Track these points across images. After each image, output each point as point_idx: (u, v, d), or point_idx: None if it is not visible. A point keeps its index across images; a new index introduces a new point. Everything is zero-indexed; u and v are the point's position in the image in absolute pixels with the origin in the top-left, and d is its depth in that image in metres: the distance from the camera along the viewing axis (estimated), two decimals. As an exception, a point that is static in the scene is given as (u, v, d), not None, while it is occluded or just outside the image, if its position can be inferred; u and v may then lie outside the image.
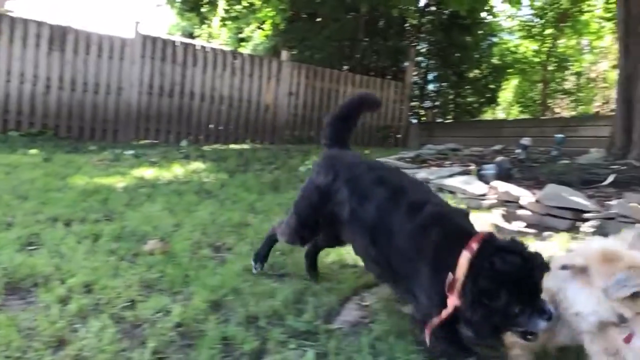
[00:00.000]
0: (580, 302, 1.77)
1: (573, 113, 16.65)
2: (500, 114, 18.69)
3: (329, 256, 3.48)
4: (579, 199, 4.75)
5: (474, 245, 1.98)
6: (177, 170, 7.36)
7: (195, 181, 6.63)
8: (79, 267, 2.91)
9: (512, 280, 1.87)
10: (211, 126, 11.73)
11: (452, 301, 1.97)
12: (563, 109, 17.64)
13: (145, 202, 5.01)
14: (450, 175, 6.12)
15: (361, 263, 3.34)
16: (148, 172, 6.97)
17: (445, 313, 1.99)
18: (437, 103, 16.07)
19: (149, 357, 2.03)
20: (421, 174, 6.37)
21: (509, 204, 5.13)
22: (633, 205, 4.36)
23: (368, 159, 2.96)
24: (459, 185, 5.70)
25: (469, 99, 16.26)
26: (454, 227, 2.17)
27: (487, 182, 5.62)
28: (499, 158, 6.43)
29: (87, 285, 2.67)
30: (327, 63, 13.51)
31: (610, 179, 5.62)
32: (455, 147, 9.28)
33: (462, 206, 5.29)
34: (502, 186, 5.30)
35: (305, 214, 2.79)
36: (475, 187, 5.58)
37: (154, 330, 2.25)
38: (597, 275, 1.72)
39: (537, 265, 1.94)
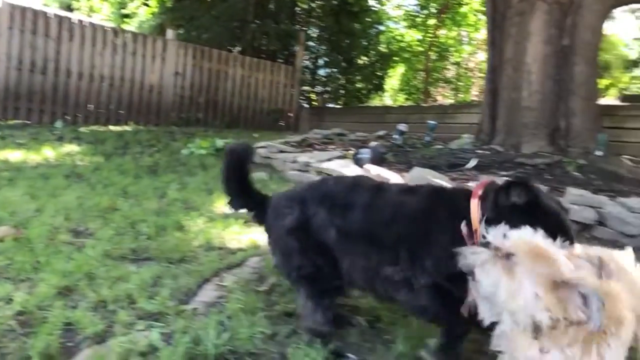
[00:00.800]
0: (502, 292, 1.53)
1: (452, 101, 17.76)
2: (387, 100, 19.47)
3: (197, 239, 3.49)
4: (440, 181, 5.12)
5: (479, 191, 1.93)
6: (48, 152, 6.90)
7: (67, 164, 6.27)
8: None
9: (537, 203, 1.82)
10: (90, 106, 11.07)
11: None
12: (444, 97, 18.76)
13: (4, 186, 4.67)
14: (329, 159, 6.33)
15: (228, 245, 3.42)
16: (14, 155, 6.48)
17: None
18: (327, 88, 16.38)
19: (-19, 348, 1.93)
20: (302, 158, 6.52)
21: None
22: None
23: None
24: (336, 169, 5.91)
25: (357, 85, 16.74)
26: (453, 193, 2.11)
27: (361, 166, 5.87)
28: (374, 143, 6.73)
29: None
30: (215, 44, 13.23)
31: (473, 162, 6.10)
32: (341, 132, 9.56)
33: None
34: (374, 169, 5.57)
35: (309, 270, 2.21)
36: (351, 170, 5.82)
37: (-7, 319, 2.13)
38: (524, 270, 1.50)
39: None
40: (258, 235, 3.47)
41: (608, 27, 14.26)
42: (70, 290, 2.49)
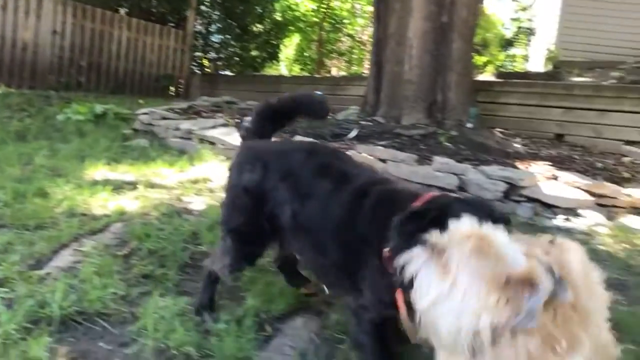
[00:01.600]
0: (434, 297, 1.23)
1: (344, 73, 18.11)
2: (283, 70, 19.44)
3: (59, 206, 3.34)
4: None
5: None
6: None
7: None
8: None
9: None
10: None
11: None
12: (338, 69, 19.07)
13: None
14: (213, 127, 6.25)
15: (93, 211, 3.31)
16: None
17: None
18: (221, 55, 15.99)
19: None
20: (185, 125, 6.39)
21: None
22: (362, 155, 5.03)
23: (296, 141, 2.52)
24: (220, 137, 5.87)
25: (252, 53, 16.51)
26: (400, 202, 1.83)
27: (244, 133, 5.88)
28: (258, 111, 6.70)
29: None
30: (99, 3, 12.38)
31: (354, 133, 6.32)
32: (231, 100, 9.44)
33: (221, 156, 5.49)
34: (257, 137, 5.60)
35: (242, 226, 2.23)
36: (234, 138, 5.81)
37: None
38: (461, 268, 1.21)
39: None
40: (126, 202, 3.39)
41: (487, 7, 15.22)
42: None
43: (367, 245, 1.83)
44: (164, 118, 7.01)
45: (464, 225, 1.31)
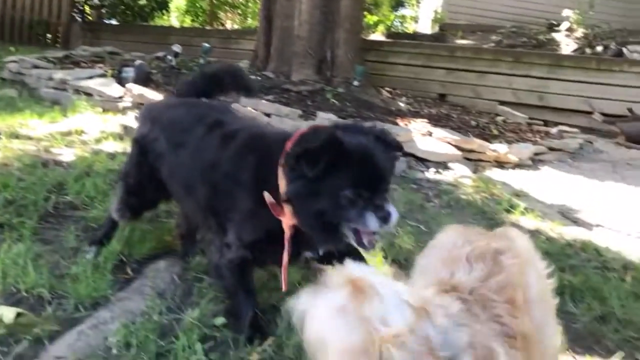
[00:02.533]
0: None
1: (237, 26, 17.59)
2: (173, 21, 18.49)
3: None
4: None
5: (290, 145, 1.69)
6: None
7: None
8: None
9: (340, 153, 1.60)
10: None
11: (287, 221, 1.72)
12: (233, 22, 18.45)
13: None
14: (90, 78, 5.91)
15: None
16: None
17: (287, 239, 1.73)
18: (105, 2, 14.89)
19: None
20: (59, 75, 5.99)
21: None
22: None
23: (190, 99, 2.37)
24: (97, 88, 5.57)
25: (140, 2, 15.52)
26: (269, 143, 1.85)
27: (124, 85, 5.62)
28: (138, 62, 6.45)
29: None
30: None
31: (241, 87, 6.26)
32: (114, 51, 8.91)
33: (98, 108, 5.23)
34: (137, 89, 5.38)
35: (129, 177, 2.31)
36: (113, 89, 5.54)
37: None
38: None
39: (384, 148, 1.68)
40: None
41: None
42: None
43: (240, 188, 1.85)
44: (36, 67, 6.51)
45: (352, 267, 1.17)
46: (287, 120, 5.06)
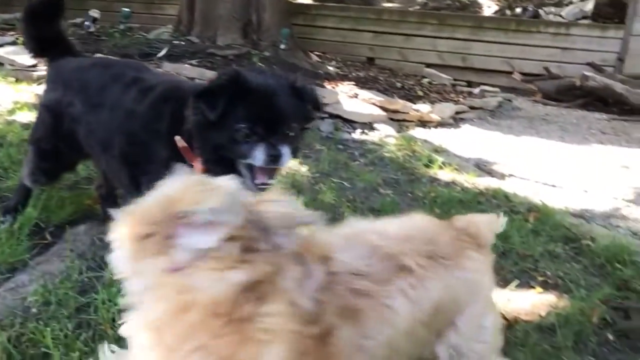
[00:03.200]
0: None
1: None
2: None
3: None
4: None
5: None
6: None
7: None
8: None
9: (241, 90, 1.63)
10: None
11: (198, 166, 1.70)
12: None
13: None
14: (0, 46, 5.60)
15: None
16: None
17: None
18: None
19: None
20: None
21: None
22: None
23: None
24: (7, 57, 5.29)
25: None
26: (184, 93, 1.82)
27: (37, 53, 5.36)
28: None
29: None
30: None
31: (163, 52, 6.13)
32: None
33: (10, 79, 4.99)
34: (51, 56, 5.15)
35: (41, 142, 2.27)
36: (25, 58, 5.25)
37: None
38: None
39: (295, 95, 1.69)
40: None
41: None
42: None
43: (156, 137, 1.86)
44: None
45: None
46: (212, 85, 5.03)
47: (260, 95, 1.65)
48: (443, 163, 4.12)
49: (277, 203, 1.13)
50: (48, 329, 1.62)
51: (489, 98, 7.34)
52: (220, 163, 1.67)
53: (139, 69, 2.24)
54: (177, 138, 1.75)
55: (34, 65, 5.14)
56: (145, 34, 7.57)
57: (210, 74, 5.17)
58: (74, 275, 1.90)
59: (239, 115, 1.62)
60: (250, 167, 1.67)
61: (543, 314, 2.16)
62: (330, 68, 7.88)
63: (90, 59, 2.45)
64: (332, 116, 5.08)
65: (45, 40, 2.29)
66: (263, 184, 1.66)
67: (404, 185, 3.59)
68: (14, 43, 5.66)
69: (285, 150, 1.64)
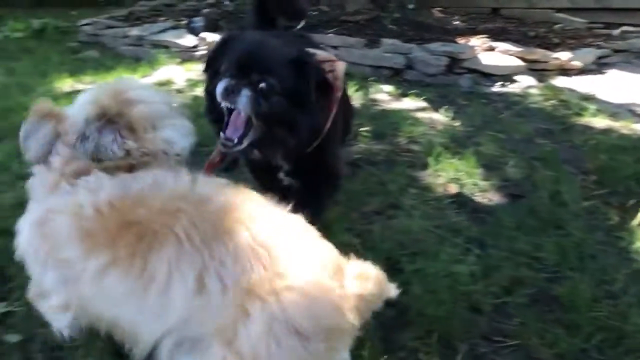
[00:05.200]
0: None
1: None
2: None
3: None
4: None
5: None
6: None
7: None
8: None
9: (228, 44, 1.79)
10: None
11: None
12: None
13: None
14: (163, 31, 6.28)
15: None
16: None
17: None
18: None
19: None
20: (134, 32, 6.38)
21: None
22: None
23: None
24: (172, 40, 5.95)
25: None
26: None
27: (196, 35, 5.97)
28: (206, 10, 6.75)
29: None
30: None
31: (301, 24, 6.47)
32: (169, 3, 9.23)
33: (177, 59, 5.63)
34: (210, 37, 5.72)
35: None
36: (187, 40, 5.90)
37: None
38: None
39: (266, 46, 1.74)
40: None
41: None
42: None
43: None
44: (109, 27, 6.92)
45: None
46: (354, 50, 5.32)
47: (239, 46, 1.76)
48: (597, 110, 4.08)
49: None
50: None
51: (634, 40, 6.88)
52: (210, 105, 1.84)
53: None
54: None
55: (195, 47, 5.75)
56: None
57: (352, 41, 5.47)
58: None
59: (221, 64, 1.77)
60: (226, 123, 1.75)
61: None
62: (456, 22, 7.82)
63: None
64: (470, 71, 5.17)
65: None
66: (227, 138, 1.73)
67: (559, 135, 3.65)
68: (174, 28, 6.32)
69: (245, 92, 1.66)
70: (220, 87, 1.67)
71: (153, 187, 1.34)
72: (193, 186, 1.35)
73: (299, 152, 1.84)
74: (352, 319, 1.16)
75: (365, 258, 1.94)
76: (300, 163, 1.95)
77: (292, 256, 1.17)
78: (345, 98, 2.32)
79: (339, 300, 1.15)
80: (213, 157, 1.88)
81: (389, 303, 1.34)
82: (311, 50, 1.91)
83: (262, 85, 1.66)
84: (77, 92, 4.15)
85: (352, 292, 1.19)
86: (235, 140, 1.72)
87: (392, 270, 2.02)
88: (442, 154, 3.10)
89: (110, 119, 1.43)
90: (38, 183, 1.48)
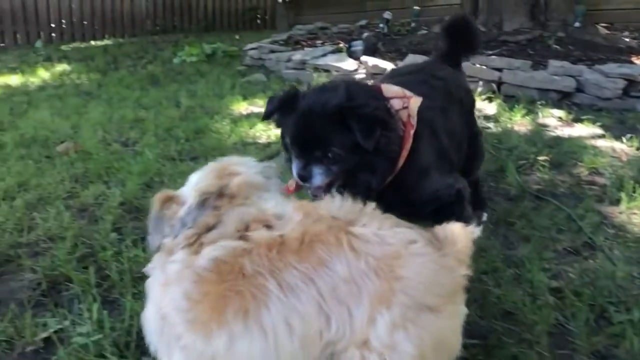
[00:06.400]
0: None
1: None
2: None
3: (230, 138, 3.88)
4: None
5: None
6: (44, 74, 7.02)
7: (69, 84, 6.44)
8: (1, 173, 3.09)
9: (291, 108, 1.79)
10: (63, 22, 10.87)
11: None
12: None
13: (28, 109, 4.94)
14: (324, 55, 6.58)
15: (258, 140, 3.82)
16: (12, 80, 6.60)
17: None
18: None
19: (110, 227, 2.44)
20: (297, 56, 6.76)
21: (378, 77, 5.77)
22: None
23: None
24: (333, 64, 6.20)
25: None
26: None
27: (356, 58, 6.17)
28: (365, 34, 6.95)
29: (21, 185, 2.92)
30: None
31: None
32: (323, 26, 9.66)
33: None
34: (371, 60, 5.88)
35: None
36: (347, 63, 6.12)
37: (103, 211, 2.62)
38: None
39: (324, 114, 1.72)
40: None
41: None
42: (149, 186, 2.95)
43: None
44: (272, 51, 7.41)
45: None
46: (519, 73, 5.14)
47: (295, 120, 1.78)
48: None
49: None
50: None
51: None
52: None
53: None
54: None
55: (355, 70, 5.95)
56: (427, 28, 8.00)
57: (518, 63, 5.29)
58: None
59: (285, 129, 1.85)
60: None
61: None
62: (627, 40, 7.21)
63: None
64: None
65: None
66: (314, 195, 1.81)
67: None
68: (335, 52, 6.60)
69: (317, 171, 1.75)
70: (295, 173, 1.79)
71: None
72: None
73: (378, 188, 1.87)
74: (461, 275, 1.29)
75: (572, 303, 1.90)
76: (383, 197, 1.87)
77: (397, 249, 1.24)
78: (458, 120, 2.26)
79: (447, 265, 1.27)
80: (290, 184, 1.93)
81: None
82: (368, 90, 1.91)
83: (329, 156, 1.75)
84: (252, 114, 4.57)
85: (451, 253, 1.30)
86: (323, 194, 1.76)
87: (599, 319, 1.92)
88: (637, 190, 2.87)
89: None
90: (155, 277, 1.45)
